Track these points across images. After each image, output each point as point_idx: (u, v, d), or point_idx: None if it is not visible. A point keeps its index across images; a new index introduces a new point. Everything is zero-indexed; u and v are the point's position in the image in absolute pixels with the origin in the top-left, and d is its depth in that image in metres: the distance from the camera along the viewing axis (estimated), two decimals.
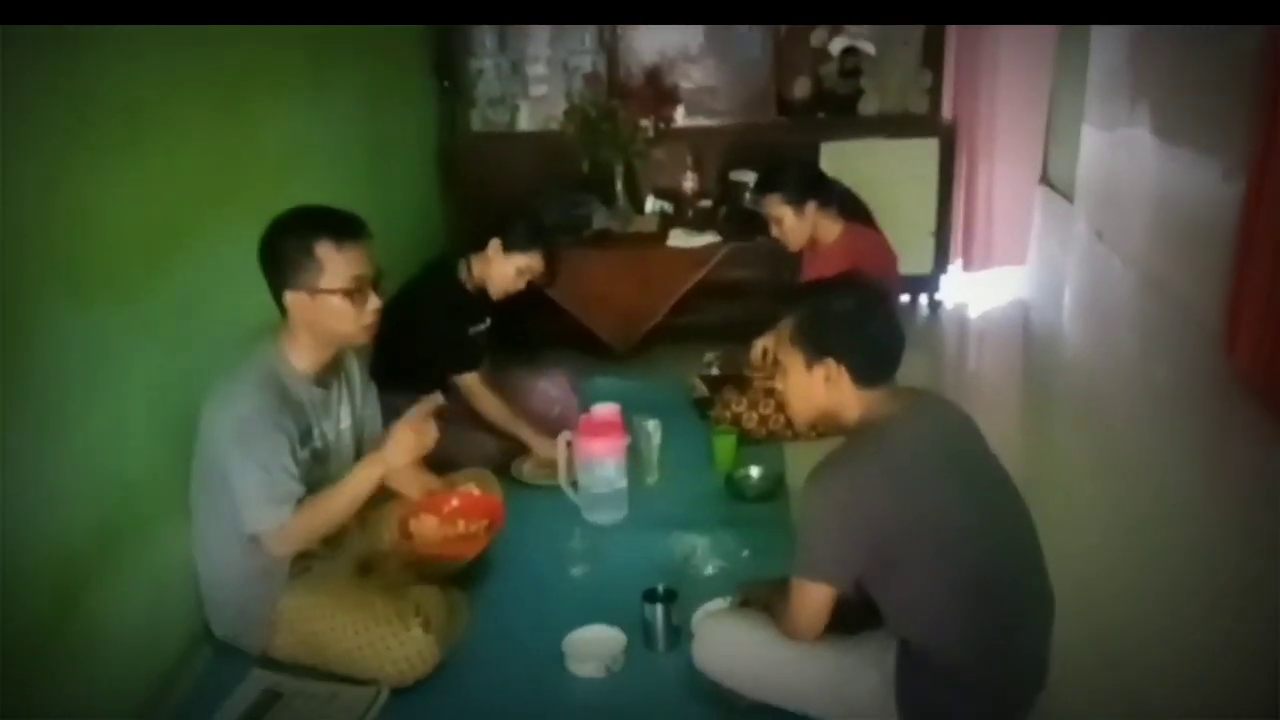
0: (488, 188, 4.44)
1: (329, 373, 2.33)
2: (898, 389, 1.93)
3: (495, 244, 3.13)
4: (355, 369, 2.47)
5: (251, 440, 2.12)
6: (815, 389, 1.91)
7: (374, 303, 2.22)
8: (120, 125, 2.11)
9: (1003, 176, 4.91)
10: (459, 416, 3.14)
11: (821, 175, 3.32)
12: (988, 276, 5.03)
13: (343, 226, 2.16)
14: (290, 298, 2.15)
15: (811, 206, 3.18)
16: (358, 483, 2.24)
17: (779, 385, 2.02)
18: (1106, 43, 5.64)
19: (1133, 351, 4.36)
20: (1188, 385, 3.97)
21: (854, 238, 3.23)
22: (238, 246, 2.52)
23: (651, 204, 4.36)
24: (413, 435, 2.23)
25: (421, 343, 3.02)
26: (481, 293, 3.22)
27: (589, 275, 3.97)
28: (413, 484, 2.51)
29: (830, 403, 1.92)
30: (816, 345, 1.89)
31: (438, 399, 2.33)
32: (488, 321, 3.31)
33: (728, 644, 2.00)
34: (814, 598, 1.87)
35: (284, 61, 2.99)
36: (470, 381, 3.16)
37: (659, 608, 2.30)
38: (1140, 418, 3.92)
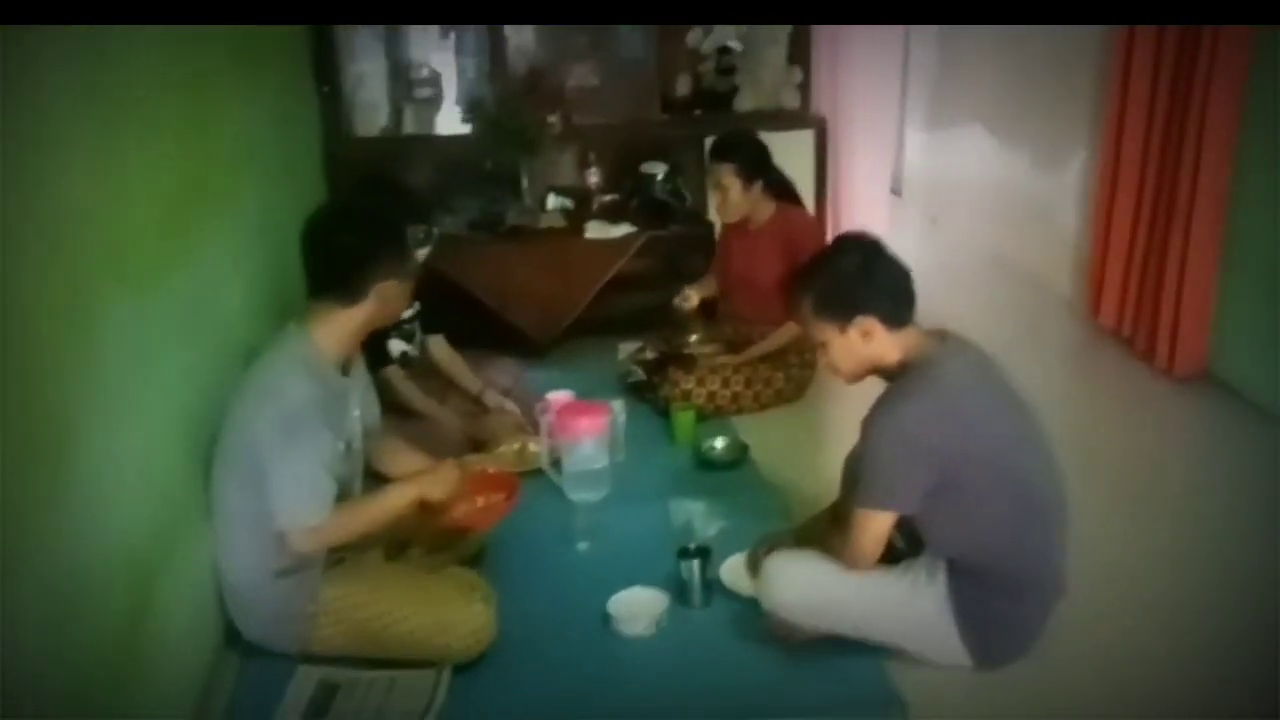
0: None
1: (350, 362, 2.32)
2: (926, 330, 2.13)
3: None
4: (359, 358, 2.45)
5: (298, 435, 2.09)
6: (856, 348, 2.08)
7: None
8: (127, 120, 2.01)
9: (862, 167, 5.24)
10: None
11: (770, 159, 3.47)
12: None
13: (417, 215, 2.21)
14: (382, 287, 2.19)
15: (759, 185, 3.37)
16: (393, 500, 2.26)
17: (822, 359, 2.17)
18: (920, 51, 6.19)
19: (990, 313, 4.71)
20: (1049, 337, 4.41)
21: (789, 217, 3.44)
22: (215, 246, 2.50)
23: (552, 200, 4.43)
24: (456, 477, 2.31)
25: None
26: None
27: (511, 270, 4.01)
28: (403, 465, 2.52)
29: (873, 354, 2.09)
30: (843, 308, 2.06)
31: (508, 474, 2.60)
32: (414, 307, 3.29)
33: (798, 579, 2.14)
34: (877, 525, 2.05)
35: (227, 65, 2.88)
36: (392, 375, 3.11)
37: (695, 563, 2.41)
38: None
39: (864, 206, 5.32)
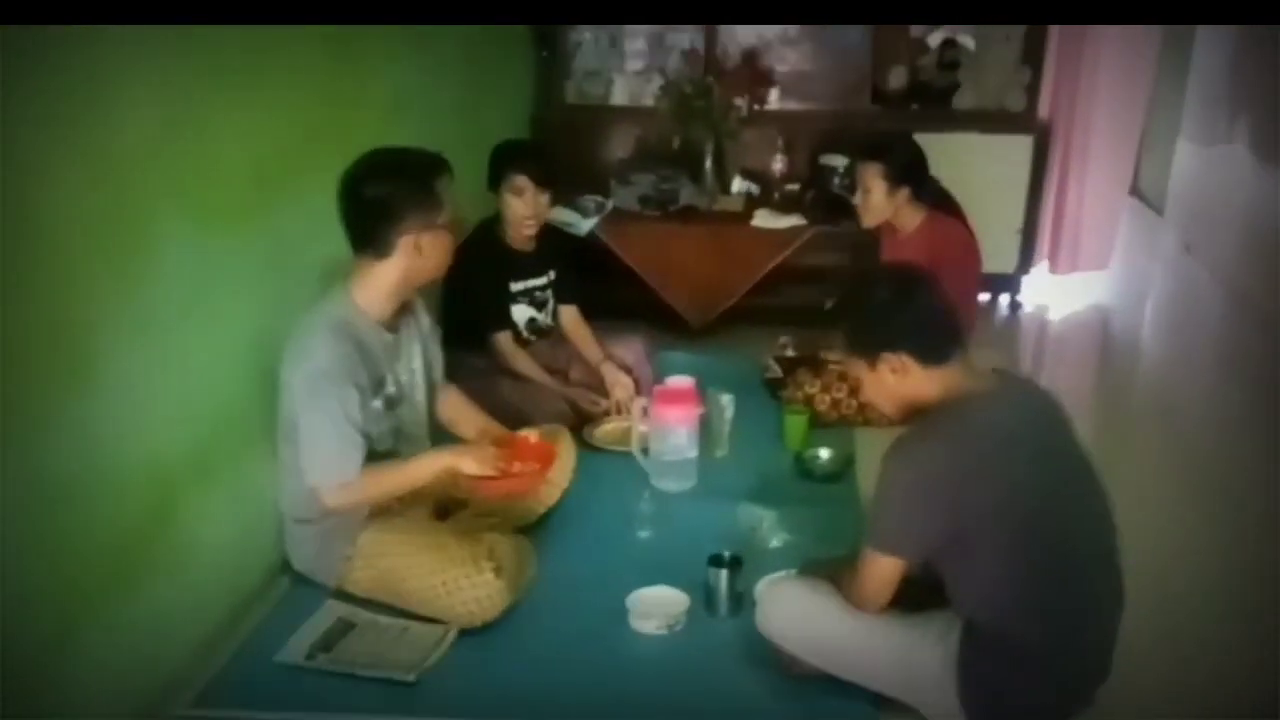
0: (576, 159, 4.48)
1: (399, 317, 2.37)
2: (980, 370, 1.94)
3: (490, 194, 3.18)
4: (422, 311, 2.51)
5: (323, 395, 2.16)
6: (888, 384, 1.93)
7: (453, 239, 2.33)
8: (239, 67, 2.19)
9: (1094, 180, 4.82)
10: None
11: (925, 167, 3.25)
12: (1072, 280, 4.94)
13: (445, 165, 2.24)
14: (404, 241, 2.20)
15: (904, 192, 3.16)
16: (421, 468, 2.30)
17: (862, 395, 2.04)
18: (1207, 58, 5.52)
19: (1215, 365, 4.26)
20: (1268, 401, 3.88)
21: (934, 226, 3.19)
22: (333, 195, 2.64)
23: (739, 184, 4.38)
24: (490, 455, 2.33)
25: (457, 300, 3.13)
26: (537, 247, 3.28)
27: (672, 249, 4.02)
28: (470, 426, 2.58)
29: (908, 391, 1.93)
30: (868, 345, 1.92)
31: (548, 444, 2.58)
32: (549, 275, 3.36)
33: (793, 609, 2.03)
34: (883, 569, 1.89)
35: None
36: (501, 341, 3.22)
37: (723, 573, 2.34)
38: (1218, 430, 3.84)
39: (1090, 223, 4.89)
